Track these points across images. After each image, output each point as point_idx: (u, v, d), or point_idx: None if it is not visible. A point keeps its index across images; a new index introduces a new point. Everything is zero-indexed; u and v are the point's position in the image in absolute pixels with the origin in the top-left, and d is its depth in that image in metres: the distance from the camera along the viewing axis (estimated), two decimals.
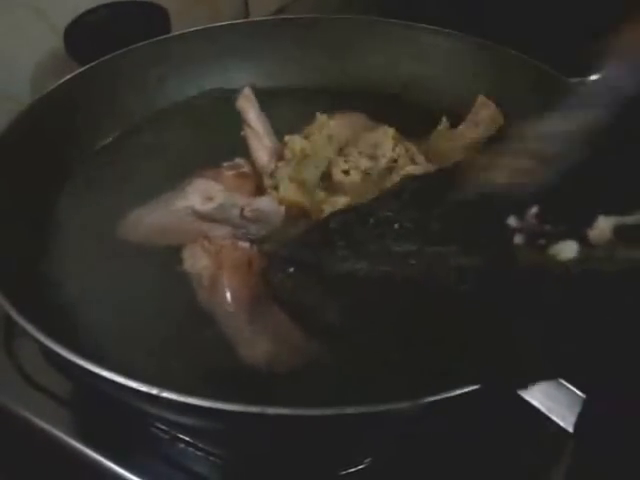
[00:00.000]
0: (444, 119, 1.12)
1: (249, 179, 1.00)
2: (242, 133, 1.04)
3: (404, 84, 1.24)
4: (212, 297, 0.83)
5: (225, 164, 1.00)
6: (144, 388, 0.60)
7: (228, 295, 0.82)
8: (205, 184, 0.90)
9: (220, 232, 0.90)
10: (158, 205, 0.96)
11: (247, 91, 1.07)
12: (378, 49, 1.25)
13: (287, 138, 1.01)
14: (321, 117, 1.05)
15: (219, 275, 0.83)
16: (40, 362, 0.91)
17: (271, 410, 0.59)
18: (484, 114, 1.11)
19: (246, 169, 1.00)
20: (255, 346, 0.79)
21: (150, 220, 0.95)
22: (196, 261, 0.86)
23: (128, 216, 0.96)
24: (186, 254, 0.88)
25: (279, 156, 1.01)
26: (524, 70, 1.12)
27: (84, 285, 0.87)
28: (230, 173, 0.98)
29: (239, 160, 1.01)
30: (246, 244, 0.87)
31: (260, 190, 0.99)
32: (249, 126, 1.04)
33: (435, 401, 0.60)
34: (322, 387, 0.75)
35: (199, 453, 0.84)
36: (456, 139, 1.11)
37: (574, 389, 0.63)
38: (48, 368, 0.91)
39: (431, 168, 0.96)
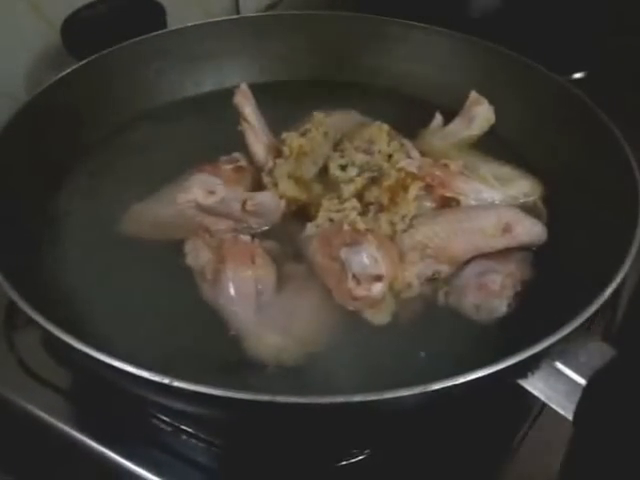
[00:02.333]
0: (437, 115, 1.14)
1: (246, 173, 1.00)
2: (239, 128, 1.04)
3: (397, 80, 1.25)
4: (216, 291, 0.82)
5: (223, 158, 1.01)
6: (156, 377, 0.61)
7: (232, 289, 0.82)
8: (206, 178, 0.90)
9: (221, 226, 0.90)
10: (158, 199, 0.97)
11: (244, 87, 1.08)
12: (369, 46, 1.26)
13: (285, 135, 1.02)
14: (318, 115, 1.06)
15: (222, 269, 0.82)
16: (40, 354, 0.92)
17: (281, 398, 0.60)
18: (477, 110, 1.13)
19: (243, 163, 1.01)
20: (262, 339, 0.79)
21: (151, 214, 0.96)
22: (198, 255, 0.86)
23: (129, 211, 0.96)
24: (188, 248, 0.88)
25: (277, 153, 1.02)
26: (516, 68, 1.13)
27: (86, 278, 0.88)
28: (228, 167, 0.98)
29: (236, 154, 1.02)
30: (247, 238, 0.87)
31: (257, 183, 1.00)
32: (246, 121, 1.04)
33: (435, 390, 0.61)
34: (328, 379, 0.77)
35: (201, 444, 0.84)
36: (448, 137, 1.13)
37: (574, 377, 0.64)
38: (48, 360, 0.92)
39: (426, 162, 0.97)
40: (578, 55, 1.45)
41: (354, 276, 0.82)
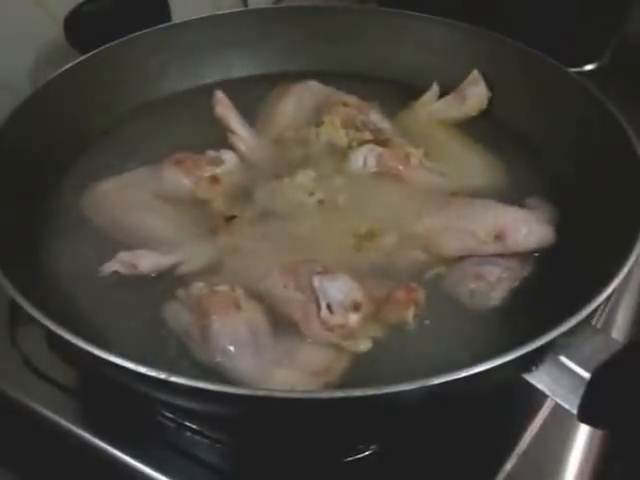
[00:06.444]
0: (435, 85, 1.16)
1: (218, 185, 0.98)
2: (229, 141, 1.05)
3: (402, 71, 1.24)
4: (209, 348, 0.76)
5: (209, 152, 1.01)
6: (153, 373, 0.60)
7: (224, 340, 0.75)
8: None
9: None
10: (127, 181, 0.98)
11: (221, 95, 1.08)
12: (376, 37, 1.26)
13: None
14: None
15: (208, 324, 0.76)
16: (44, 351, 0.92)
17: (278, 394, 0.59)
18: (471, 90, 1.13)
19: (228, 167, 1.00)
20: (272, 377, 0.74)
21: (116, 200, 0.96)
22: (179, 319, 0.80)
23: (94, 190, 0.97)
24: (166, 314, 0.82)
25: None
26: (518, 57, 1.12)
27: (87, 274, 0.87)
28: (207, 169, 0.98)
29: (225, 153, 1.01)
30: (225, 286, 0.80)
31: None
32: (234, 133, 1.05)
33: (437, 384, 0.60)
34: None
35: (205, 441, 0.84)
36: (436, 113, 1.14)
37: (578, 371, 0.63)
38: (52, 357, 0.91)
39: (386, 153, 1.00)
40: (589, 47, 1.44)
41: (328, 306, 0.78)
